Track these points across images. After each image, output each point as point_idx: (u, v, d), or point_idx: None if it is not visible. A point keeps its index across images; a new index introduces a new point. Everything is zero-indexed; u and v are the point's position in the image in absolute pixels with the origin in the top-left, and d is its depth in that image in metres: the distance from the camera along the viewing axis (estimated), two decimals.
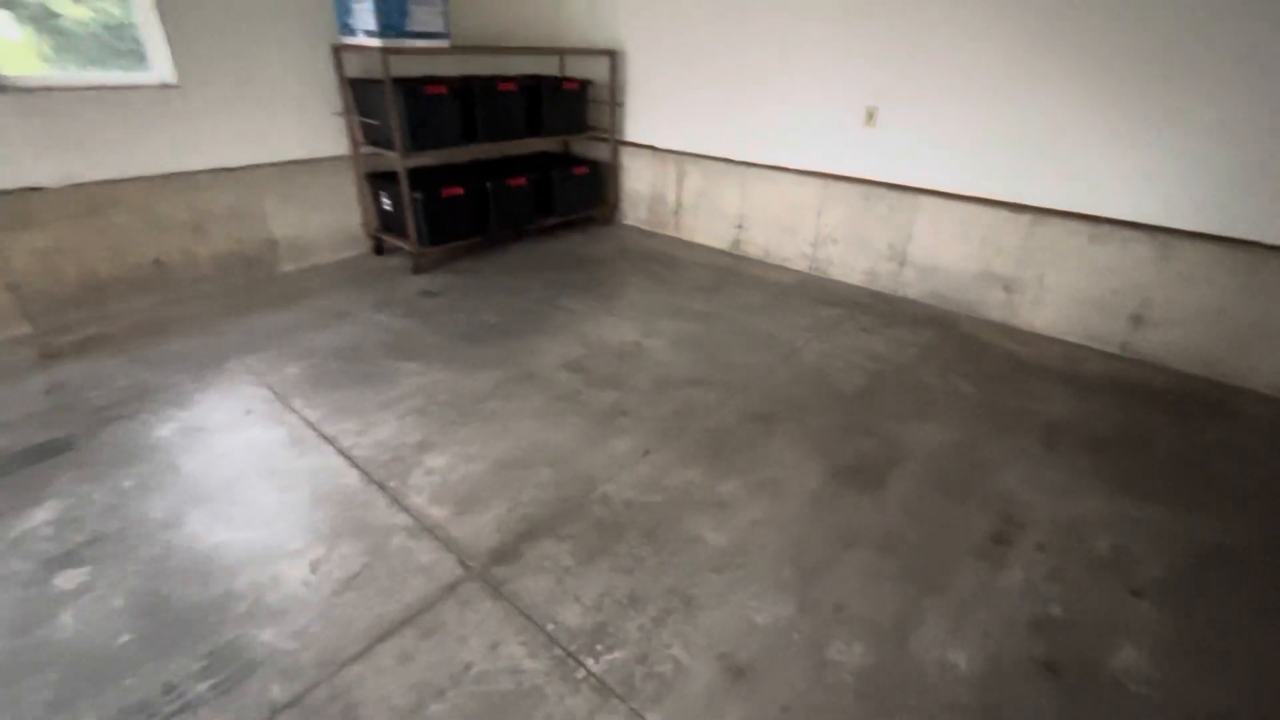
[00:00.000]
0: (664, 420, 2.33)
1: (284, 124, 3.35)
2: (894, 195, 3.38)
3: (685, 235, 4.37)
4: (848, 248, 3.63)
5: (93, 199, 2.85)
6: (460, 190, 3.55)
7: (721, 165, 4.01)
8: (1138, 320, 2.84)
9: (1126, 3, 2.55)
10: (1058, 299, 3.02)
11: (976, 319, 3.26)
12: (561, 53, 4.16)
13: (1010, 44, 2.86)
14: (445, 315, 3.11)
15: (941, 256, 3.31)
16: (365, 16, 3.05)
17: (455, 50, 3.44)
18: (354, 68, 3.48)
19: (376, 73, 3.37)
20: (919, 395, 2.55)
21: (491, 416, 2.32)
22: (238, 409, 2.32)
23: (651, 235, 4.47)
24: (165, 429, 2.19)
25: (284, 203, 3.46)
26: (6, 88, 2.57)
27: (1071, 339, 3.04)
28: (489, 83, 3.54)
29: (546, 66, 4.50)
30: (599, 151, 4.57)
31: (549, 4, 4.36)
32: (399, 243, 3.61)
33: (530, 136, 3.91)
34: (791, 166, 3.73)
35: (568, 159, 4.38)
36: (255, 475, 1.99)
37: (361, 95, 3.41)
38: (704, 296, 3.44)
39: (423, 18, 3.16)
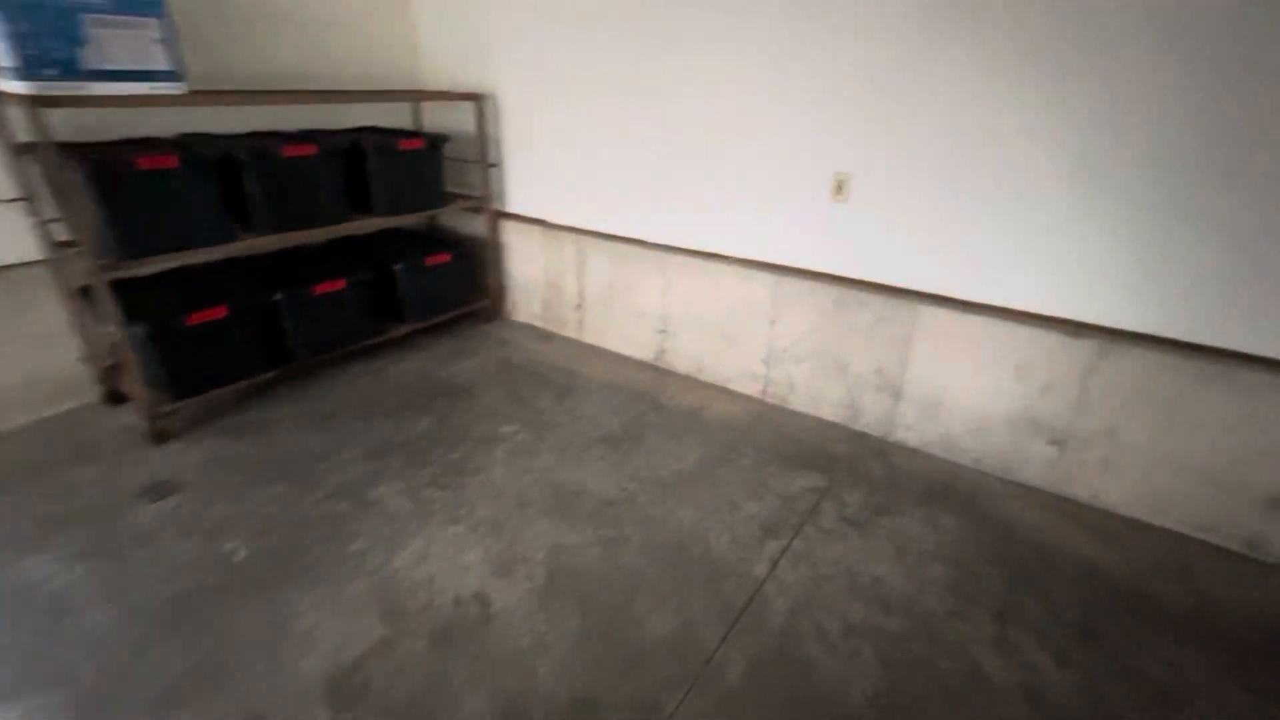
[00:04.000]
0: None
1: None
2: (880, 300, 2.31)
3: (592, 339, 3.20)
4: (815, 370, 2.53)
5: None
6: (223, 311, 2.27)
7: (635, 249, 2.88)
8: (1277, 505, 1.82)
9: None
10: (1141, 463, 1.98)
11: (1013, 485, 2.18)
12: (380, 97, 2.97)
13: (1065, 73, 1.84)
14: (162, 546, 1.81)
15: (954, 390, 2.24)
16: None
17: (214, 97, 2.21)
18: (65, 128, 2.19)
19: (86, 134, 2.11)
20: (979, 703, 1.42)
21: None
22: None
23: (548, 338, 3.28)
24: None
25: None
26: None
27: (1164, 524, 1.99)
28: (266, 147, 2.30)
29: (389, 117, 3.31)
30: (475, 226, 3.38)
31: (377, 30, 3.19)
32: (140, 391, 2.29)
33: (356, 216, 2.69)
34: (731, 254, 2.63)
35: (424, 242, 3.16)
36: None
37: (55, 172, 2.12)
38: (609, 459, 2.25)
39: (120, 49, 1.92)
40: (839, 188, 2.29)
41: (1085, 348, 1.97)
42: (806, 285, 2.45)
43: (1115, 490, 2.04)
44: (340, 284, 2.62)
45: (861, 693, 1.44)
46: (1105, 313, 1.95)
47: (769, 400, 2.69)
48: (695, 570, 1.78)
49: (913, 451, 2.36)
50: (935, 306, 2.20)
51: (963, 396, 2.23)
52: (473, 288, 3.35)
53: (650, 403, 2.66)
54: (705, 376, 2.85)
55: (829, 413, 2.55)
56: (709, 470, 2.22)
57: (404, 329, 2.99)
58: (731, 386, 2.78)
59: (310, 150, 2.40)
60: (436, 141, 2.87)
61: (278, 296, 2.43)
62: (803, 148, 2.32)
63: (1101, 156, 1.83)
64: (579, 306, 3.18)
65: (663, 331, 2.92)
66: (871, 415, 2.45)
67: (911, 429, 2.37)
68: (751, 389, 2.73)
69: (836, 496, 2.10)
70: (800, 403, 2.61)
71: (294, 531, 1.87)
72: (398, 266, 2.85)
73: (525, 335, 3.31)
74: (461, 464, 2.21)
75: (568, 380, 2.83)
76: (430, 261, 2.98)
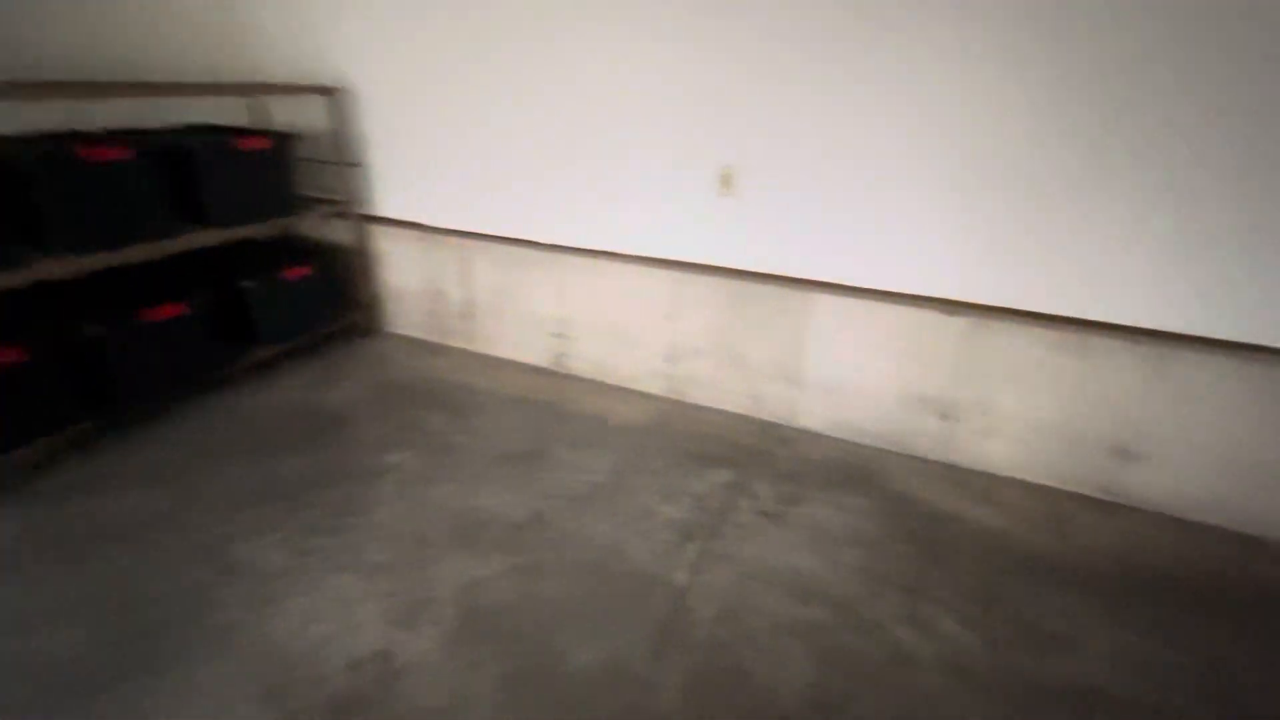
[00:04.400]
0: None
1: None
2: (776, 291, 2.33)
3: (483, 347, 3.00)
4: (718, 363, 2.53)
5: None
6: (18, 354, 1.85)
7: (525, 251, 2.73)
8: (1124, 455, 2.04)
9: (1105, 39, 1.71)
10: (1015, 428, 2.15)
11: (909, 460, 2.30)
12: (216, 91, 2.61)
13: (940, 64, 1.92)
14: None
15: (850, 374, 2.32)
16: None
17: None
18: None
19: None
20: (904, 680, 1.45)
21: None
22: None
23: (435, 351, 3.04)
24: None
25: None
26: None
27: (1038, 480, 2.17)
28: (61, 150, 1.90)
29: (233, 114, 2.90)
30: (341, 233, 3.05)
31: (215, 17, 2.78)
32: None
33: (187, 229, 2.30)
34: (625, 253, 2.56)
35: (281, 255, 2.81)
36: None
37: None
38: (515, 477, 2.11)
39: None
40: (726, 181, 2.28)
41: (960, 325, 2.10)
42: (703, 280, 2.43)
43: (996, 454, 2.20)
44: (179, 309, 2.24)
45: (795, 692, 1.42)
46: (975, 291, 2.08)
47: (675, 398, 2.66)
48: (618, 587, 1.69)
49: (816, 436, 2.42)
50: (827, 294, 2.26)
51: (858, 379, 2.31)
52: (343, 301, 3.03)
53: (554, 412, 2.53)
54: (608, 379, 2.76)
55: (734, 405, 2.56)
56: (621, 478, 2.14)
57: (261, 354, 2.63)
58: (636, 387, 2.72)
59: (121, 154, 2.02)
60: (284, 140, 2.54)
61: (96, 329, 2.03)
62: (688, 142, 2.29)
63: (964, 147, 1.94)
64: (466, 315, 2.97)
65: (560, 335, 2.80)
66: (775, 404, 2.48)
67: (814, 414, 2.43)
68: (656, 388, 2.68)
69: (749, 490, 2.10)
70: (705, 397, 2.60)
71: (141, 613, 1.56)
72: (248, 283, 2.49)
73: (408, 350, 3.04)
74: (345, 504, 1.96)
75: (461, 396, 2.62)
76: (288, 275, 2.64)
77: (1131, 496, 2.06)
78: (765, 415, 2.51)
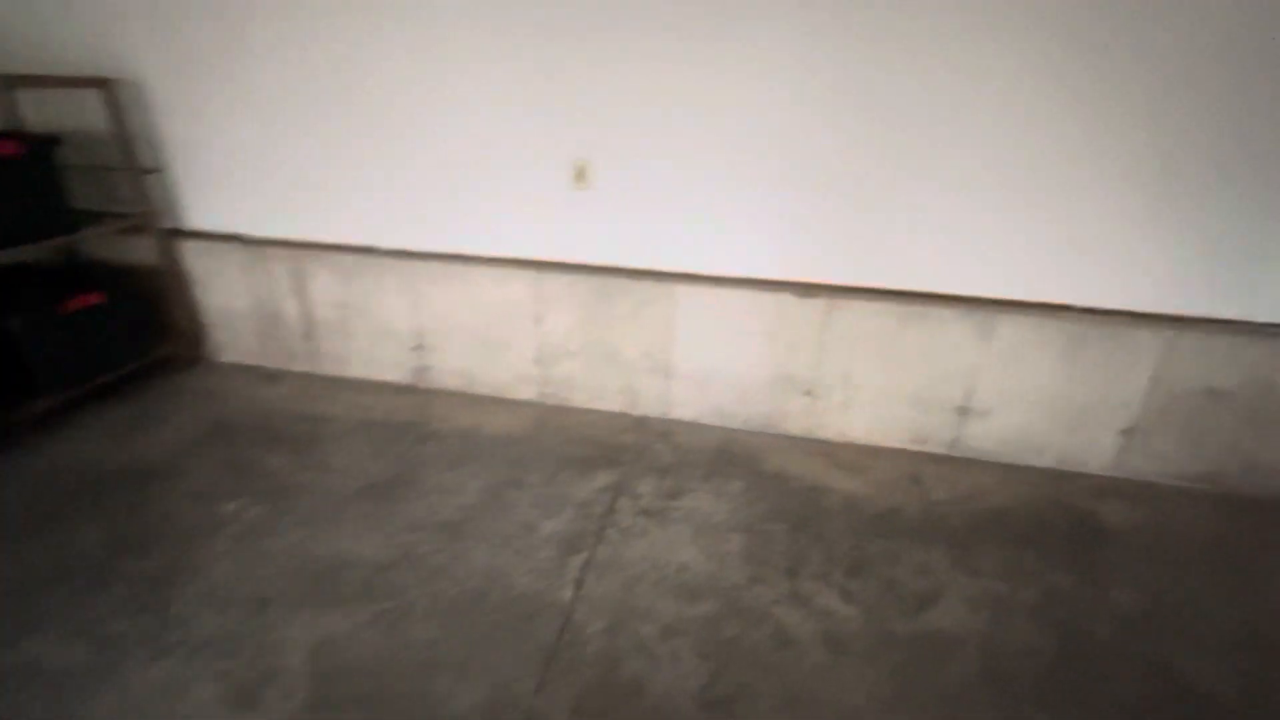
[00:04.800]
0: None
1: None
2: (640, 285, 2.30)
3: (332, 369, 2.72)
4: (590, 362, 2.46)
5: None
6: None
7: (370, 260, 2.48)
8: (965, 412, 2.23)
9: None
10: (871, 398, 2.28)
11: (780, 439, 2.37)
12: None
13: (777, 54, 1.95)
14: None
15: (717, 361, 2.34)
16: None
17: None
18: None
19: None
20: (791, 663, 1.47)
21: None
22: None
23: (273, 379, 2.70)
24: None
25: None
26: None
27: (893, 444, 2.33)
28: None
29: None
30: (142, 252, 2.61)
31: None
32: None
33: None
34: (483, 255, 2.40)
35: (61, 282, 2.34)
36: None
37: None
38: (376, 514, 1.91)
39: None
40: (580, 175, 2.20)
41: (817, 305, 2.18)
42: (566, 278, 2.34)
43: (856, 425, 2.33)
44: None
45: (689, 695, 1.40)
46: (828, 272, 2.17)
47: (549, 402, 2.55)
48: (498, 618, 1.57)
49: (693, 425, 2.43)
50: (690, 285, 2.25)
51: (727, 365, 2.34)
52: (152, 332, 2.61)
53: (418, 433, 2.34)
54: (477, 389, 2.60)
55: (610, 403, 2.50)
56: (497, 495, 2.01)
57: (45, 404, 2.18)
58: (508, 395, 2.58)
59: None
60: (42, 145, 2.11)
61: None
62: (539, 135, 2.18)
63: (806, 139, 2.01)
64: (308, 335, 2.66)
65: (420, 348, 2.59)
66: (649, 398, 2.46)
67: (689, 404, 2.43)
68: (529, 393, 2.56)
69: (630, 490, 2.06)
70: (581, 398, 2.52)
71: None
72: (15, 320, 2.05)
73: (241, 380, 2.68)
74: (165, 572, 1.67)
75: (308, 427, 2.35)
76: (71, 306, 2.21)
77: (973, 449, 2.27)
78: (642, 410, 2.48)
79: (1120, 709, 1.39)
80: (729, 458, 2.25)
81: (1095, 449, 2.17)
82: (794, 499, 2.04)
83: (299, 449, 2.21)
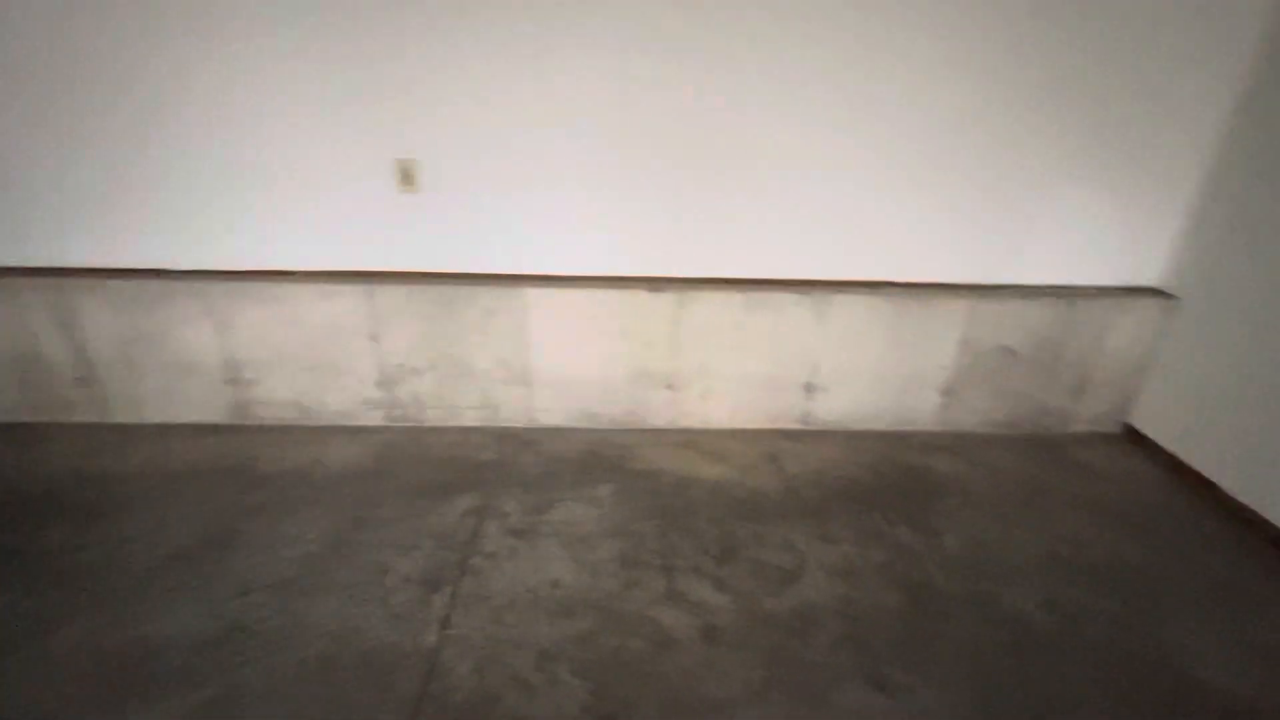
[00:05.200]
0: None
1: None
2: (487, 291, 2.17)
3: (125, 415, 2.29)
4: (440, 379, 2.29)
5: None
6: None
7: (158, 284, 2.11)
8: (810, 389, 2.36)
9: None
10: (728, 385, 2.34)
11: (646, 434, 2.37)
12: None
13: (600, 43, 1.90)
14: None
15: (577, 363, 2.28)
16: None
17: None
18: None
19: None
20: (672, 664, 1.47)
21: None
22: None
23: (42, 436, 2.22)
24: None
25: None
26: None
27: (752, 426, 2.42)
28: None
29: None
30: None
31: None
32: None
33: None
34: (302, 269, 2.14)
35: None
36: None
37: None
38: (193, 580, 1.63)
39: None
40: (406, 177, 2.02)
41: (668, 299, 2.19)
42: (403, 290, 2.15)
43: (716, 412, 2.39)
44: None
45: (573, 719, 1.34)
46: (675, 266, 2.20)
47: (399, 426, 2.35)
48: (352, 681, 1.41)
49: (557, 432, 2.36)
50: (541, 287, 2.16)
51: (586, 366, 2.29)
52: None
53: (242, 479, 2.04)
54: (313, 420, 2.33)
55: (468, 419, 2.35)
56: (343, 539, 1.80)
57: None
58: (349, 423, 2.33)
59: None
60: None
61: None
62: (353, 135, 1.96)
63: (638, 133, 1.99)
64: (85, 379, 2.22)
65: (235, 381, 2.26)
66: (510, 410, 2.34)
67: (551, 410, 2.36)
68: (374, 419, 2.34)
69: (496, 511, 1.95)
70: (434, 418, 2.35)
71: None
72: None
73: None
74: None
75: (94, 490, 1.96)
76: None
77: (822, 422, 2.42)
78: (503, 422, 2.37)
79: (959, 646, 1.54)
80: (597, 461, 2.21)
81: (922, 409, 2.41)
82: (663, 495, 2.05)
83: (84, 519, 1.83)
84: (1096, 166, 2.10)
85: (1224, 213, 2.07)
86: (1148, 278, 2.29)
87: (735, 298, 2.19)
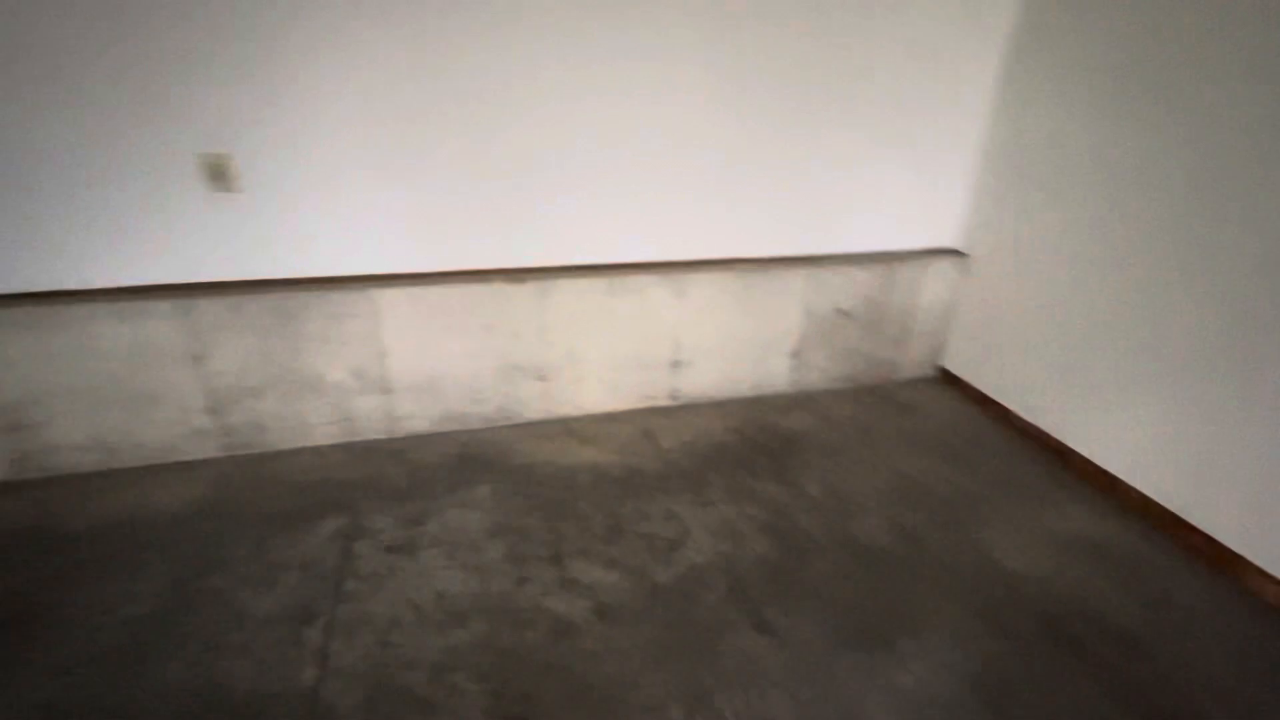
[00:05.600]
0: None
1: None
2: (331, 296, 1.99)
3: None
4: (283, 397, 2.07)
5: None
6: None
7: None
8: (676, 365, 2.46)
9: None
10: (598, 369, 2.37)
11: (521, 428, 2.33)
12: None
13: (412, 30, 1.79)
14: None
15: (440, 363, 2.18)
16: None
17: None
18: None
19: None
20: (571, 650, 1.47)
21: None
22: None
23: None
24: None
25: None
26: None
27: (625, 407, 2.47)
28: None
29: None
30: None
31: None
32: None
33: None
34: (92, 288, 1.81)
35: None
36: None
37: None
38: None
39: None
40: (218, 174, 1.79)
41: (530, 289, 2.16)
42: (227, 302, 1.91)
43: (589, 397, 2.41)
44: None
45: None
46: (531, 255, 2.17)
47: (240, 453, 2.10)
48: None
49: (426, 438, 2.25)
50: (393, 287, 2.03)
51: (451, 366, 2.19)
52: None
53: (40, 543, 1.71)
54: (125, 461, 2.00)
55: (321, 436, 2.16)
56: (188, 588, 1.59)
57: None
58: (175, 458, 2.04)
59: None
60: None
61: None
62: (144, 128, 1.69)
63: (478, 124, 1.93)
64: None
65: (15, 429, 1.87)
66: (370, 421, 2.19)
67: (416, 416, 2.23)
68: (207, 450, 2.06)
69: (367, 530, 1.82)
70: (281, 440, 2.12)
71: None
72: None
73: None
74: None
75: None
76: None
77: (688, 395, 2.53)
78: (362, 436, 2.20)
79: (827, 580, 1.71)
80: (472, 462, 2.13)
81: (776, 373, 2.61)
82: (544, 486, 2.03)
83: None
84: (902, 144, 2.39)
85: (995, 176, 2.45)
86: (947, 240, 2.66)
87: (598, 283, 2.22)
